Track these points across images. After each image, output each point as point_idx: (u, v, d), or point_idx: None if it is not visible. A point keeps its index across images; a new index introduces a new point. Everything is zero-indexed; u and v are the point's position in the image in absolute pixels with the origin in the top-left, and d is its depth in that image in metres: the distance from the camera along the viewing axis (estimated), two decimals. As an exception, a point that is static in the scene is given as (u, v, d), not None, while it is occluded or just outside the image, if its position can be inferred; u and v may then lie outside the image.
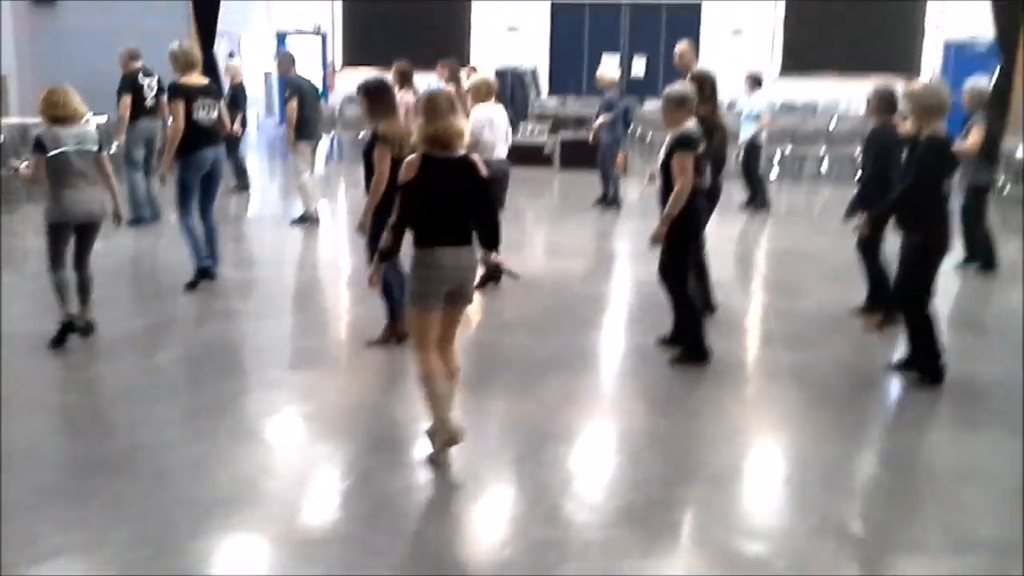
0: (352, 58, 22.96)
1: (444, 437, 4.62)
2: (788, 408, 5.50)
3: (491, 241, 4.73)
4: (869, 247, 6.97)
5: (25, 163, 6.46)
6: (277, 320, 7.41)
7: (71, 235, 6.29)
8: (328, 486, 4.53)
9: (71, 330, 6.33)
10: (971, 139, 8.10)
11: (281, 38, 21.29)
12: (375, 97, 6.25)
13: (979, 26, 17.23)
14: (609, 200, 12.19)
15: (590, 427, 5.29)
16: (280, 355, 6.53)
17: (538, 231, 9.94)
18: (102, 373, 5.94)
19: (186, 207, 7.84)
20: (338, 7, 23.13)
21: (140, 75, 10.52)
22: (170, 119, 7.81)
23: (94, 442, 4.89)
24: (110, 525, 4.01)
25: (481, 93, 8.11)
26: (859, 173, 8.00)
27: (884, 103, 6.96)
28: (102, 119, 13.28)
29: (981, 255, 8.86)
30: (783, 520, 4.27)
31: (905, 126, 6.53)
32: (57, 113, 6.18)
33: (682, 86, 6.31)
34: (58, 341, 6.28)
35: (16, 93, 14.95)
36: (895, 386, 6.07)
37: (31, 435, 4.94)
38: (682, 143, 6.02)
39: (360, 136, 16.79)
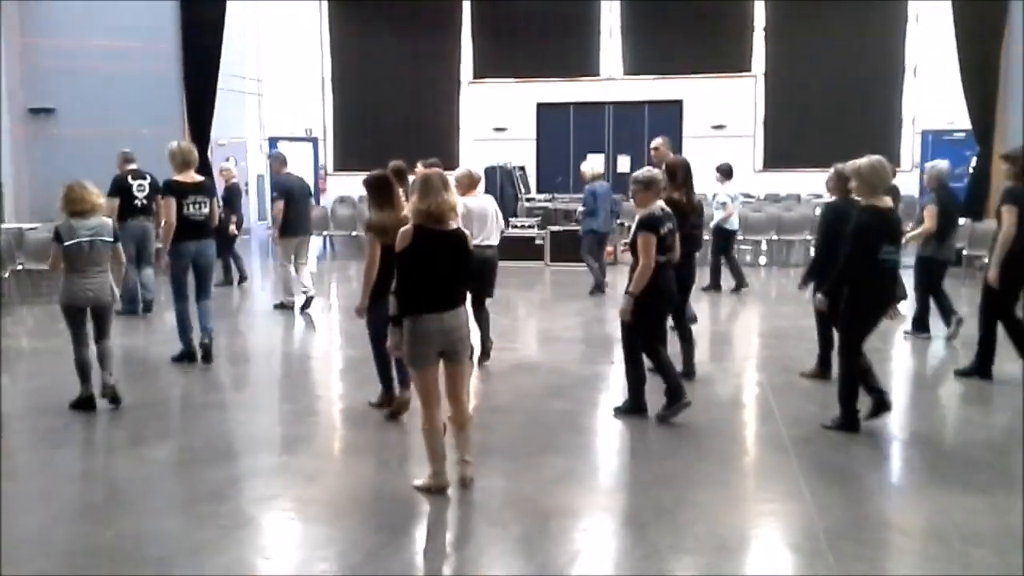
0: (343, 162, 23.41)
1: (438, 483, 5.22)
2: (789, 479, 5.48)
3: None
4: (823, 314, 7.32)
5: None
6: (271, 408, 7.41)
7: (84, 317, 6.81)
8: (331, 567, 4.46)
9: (90, 404, 6.83)
10: (926, 222, 8.87)
11: (273, 143, 21.70)
12: (374, 189, 6.65)
13: (954, 115, 17.81)
14: (599, 288, 12.53)
15: (594, 503, 5.25)
16: (276, 441, 6.50)
17: (531, 318, 10.07)
18: (102, 464, 5.91)
19: (177, 293, 8.35)
20: (329, 112, 23.68)
21: (130, 177, 10.76)
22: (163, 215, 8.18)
23: (96, 530, 4.83)
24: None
25: (463, 185, 8.23)
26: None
27: (842, 181, 7.41)
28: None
29: (951, 320, 9.30)
30: (794, 586, 4.24)
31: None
32: (75, 207, 6.76)
33: (649, 170, 6.76)
34: (77, 405, 6.83)
35: (12, 199, 15.15)
36: (894, 454, 6.12)
37: (34, 525, 4.91)
38: (645, 224, 6.44)
39: (353, 234, 17.05)
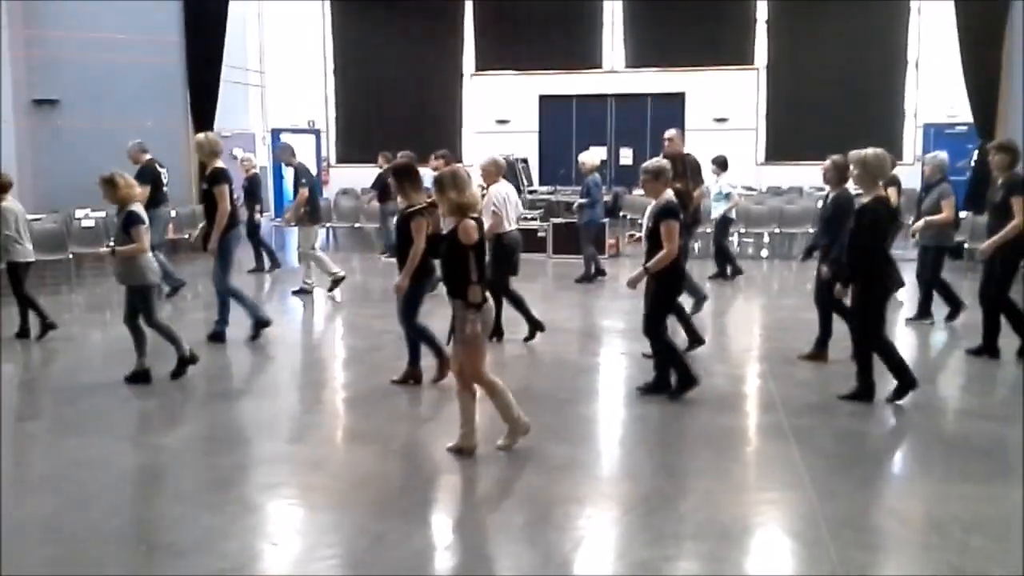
0: (346, 154, 23.46)
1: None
2: (789, 467, 5.54)
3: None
4: (827, 299, 7.67)
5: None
6: (281, 397, 7.48)
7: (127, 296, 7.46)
8: (339, 552, 4.52)
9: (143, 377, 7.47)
10: (946, 211, 9.25)
11: (276, 135, 21.75)
12: (407, 176, 7.11)
13: (956, 109, 17.84)
14: (585, 277, 12.86)
15: (597, 491, 5.31)
16: (284, 430, 6.56)
17: (534, 309, 10.01)
18: (112, 451, 5.95)
19: (230, 276, 8.92)
20: (331, 104, 23.71)
21: (157, 165, 11.09)
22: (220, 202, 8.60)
23: (105, 517, 4.89)
24: (123, 593, 4.02)
25: (491, 173, 8.67)
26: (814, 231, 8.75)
27: (840, 172, 7.69)
28: (100, 215, 13.54)
29: (951, 305, 9.71)
30: (796, 573, 4.28)
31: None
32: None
33: (658, 160, 6.97)
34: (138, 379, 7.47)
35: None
36: (895, 443, 6.19)
37: (45, 511, 4.96)
38: (668, 212, 6.60)
39: (355, 226, 17.07)
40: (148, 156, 11.40)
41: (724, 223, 13.34)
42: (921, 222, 9.30)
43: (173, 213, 13.27)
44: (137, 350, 7.48)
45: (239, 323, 9.02)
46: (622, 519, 4.90)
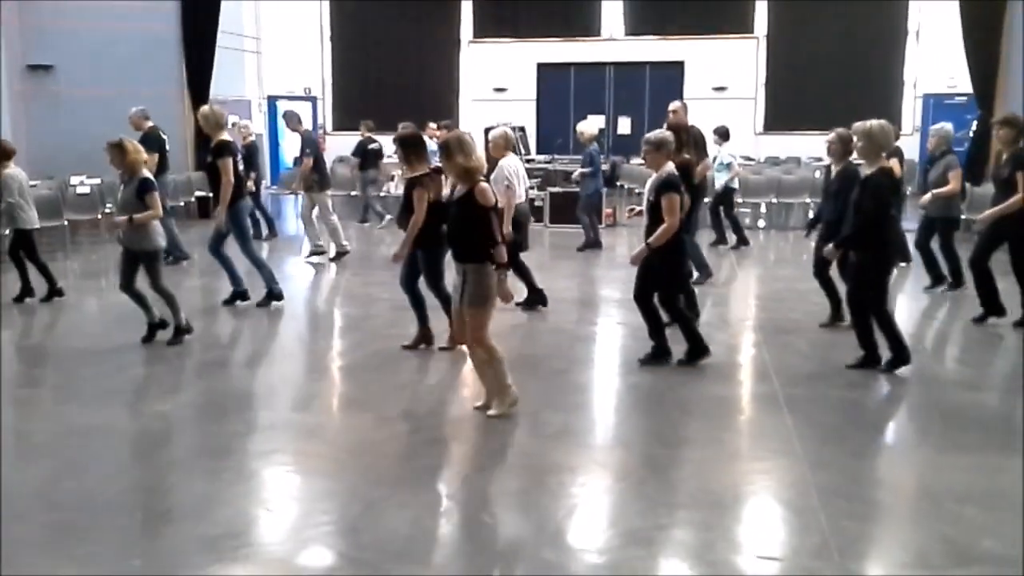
0: (342, 121, 23.32)
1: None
2: (782, 437, 5.56)
3: None
4: (825, 270, 7.87)
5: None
6: (278, 365, 7.49)
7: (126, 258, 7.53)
8: (333, 519, 4.53)
9: (159, 327, 7.68)
10: (952, 183, 9.23)
11: (272, 102, 21.61)
12: (412, 146, 7.18)
13: (956, 79, 17.75)
14: (588, 244, 12.91)
15: (591, 459, 5.33)
16: (281, 398, 6.58)
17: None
18: (107, 418, 5.97)
19: (249, 240, 9.12)
20: (328, 71, 23.55)
21: (160, 132, 11.11)
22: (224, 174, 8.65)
23: (101, 484, 4.90)
24: (120, 560, 4.04)
25: (499, 146, 8.65)
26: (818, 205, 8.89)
27: (845, 144, 7.67)
28: (96, 181, 13.49)
29: (953, 275, 9.66)
30: (786, 541, 4.32)
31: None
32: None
33: (660, 132, 6.90)
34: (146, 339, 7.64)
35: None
36: (889, 413, 6.23)
37: (40, 477, 4.99)
38: (669, 184, 6.56)
39: (352, 194, 17.02)
40: (150, 123, 11.37)
41: (727, 193, 13.26)
42: (929, 195, 9.34)
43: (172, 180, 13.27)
44: (143, 309, 7.61)
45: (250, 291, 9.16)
46: (615, 487, 4.93)
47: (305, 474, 5.13)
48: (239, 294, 9.12)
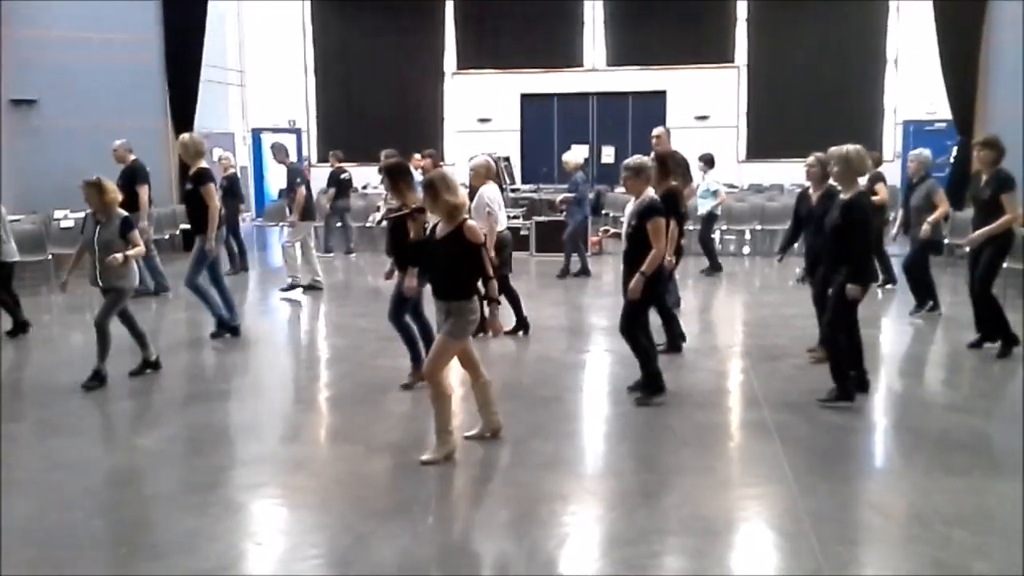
0: (327, 154, 23.29)
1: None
2: (772, 463, 5.55)
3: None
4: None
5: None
6: (263, 398, 7.44)
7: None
8: (323, 552, 4.49)
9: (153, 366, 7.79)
10: (941, 205, 9.46)
11: (257, 134, 21.64)
12: (399, 174, 7.10)
13: (935, 105, 17.95)
14: (580, 272, 13.13)
15: (582, 487, 5.31)
16: (268, 430, 6.53)
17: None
18: (93, 453, 5.91)
19: (219, 273, 9.16)
20: (312, 103, 23.61)
21: (144, 165, 11.24)
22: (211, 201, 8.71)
23: (87, 519, 4.85)
24: (105, 595, 3.99)
25: (481, 175, 8.77)
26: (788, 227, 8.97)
27: (825, 168, 7.59)
28: (80, 215, 13.42)
29: (931, 300, 9.81)
30: (779, 567, 4.30)
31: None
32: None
33: (639, 158, 6.86)
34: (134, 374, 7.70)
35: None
36: (877, 438, 6.23)
37: (25, 513, 4.92)
38: (653, 209, 6.52)
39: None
40: (133, 156, 11.38)
41: (709, 219, 13.54)
42: (927, 225, 9.25)
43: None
44: (140, 346, 7.69)
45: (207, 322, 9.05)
46: (606, 516, 4.91)
47: (294, 507, 5.09)
48: (225, 325, 9.08)
